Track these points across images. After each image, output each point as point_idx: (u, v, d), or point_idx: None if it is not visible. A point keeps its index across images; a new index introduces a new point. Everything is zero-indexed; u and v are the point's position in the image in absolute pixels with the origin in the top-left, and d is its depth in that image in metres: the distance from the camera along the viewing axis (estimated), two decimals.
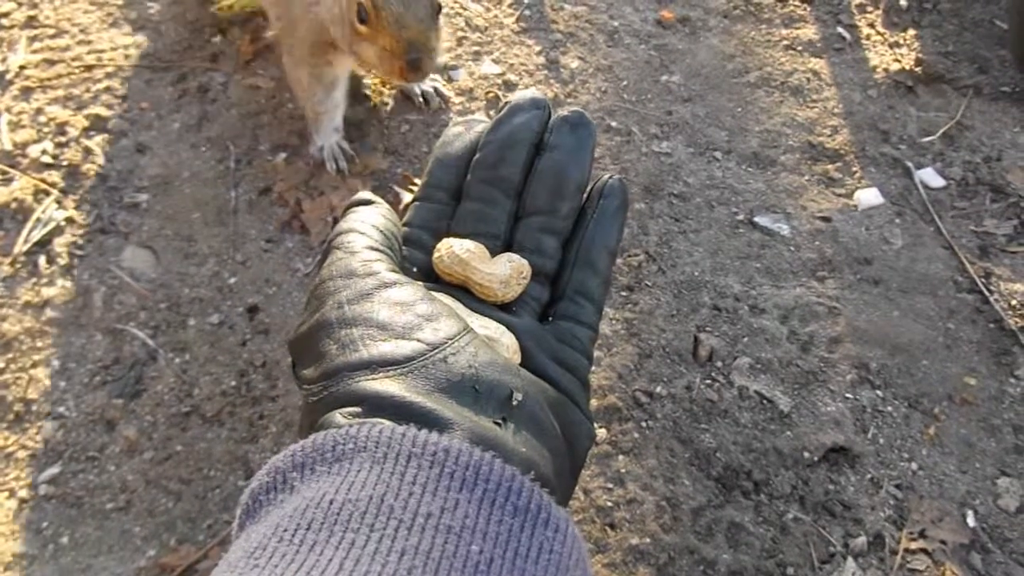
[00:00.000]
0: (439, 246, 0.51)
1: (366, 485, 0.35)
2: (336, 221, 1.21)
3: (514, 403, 0.43)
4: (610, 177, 0.54)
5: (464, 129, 0.56)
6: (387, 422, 0.39)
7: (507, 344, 0.48)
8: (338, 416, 0.40)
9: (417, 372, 0.42)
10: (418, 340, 0.43)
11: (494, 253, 0.52)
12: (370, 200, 0.53)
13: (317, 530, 0.34)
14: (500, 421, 0.42)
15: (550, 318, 0.52)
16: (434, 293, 0.48)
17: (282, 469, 0.39)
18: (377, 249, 0.49)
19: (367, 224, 0.51)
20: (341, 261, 0.48)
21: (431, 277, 0.52)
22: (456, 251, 0.50)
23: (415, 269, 0.52)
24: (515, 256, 0.50)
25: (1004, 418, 1.12)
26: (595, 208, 0.53)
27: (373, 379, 0.41)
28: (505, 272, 0.49)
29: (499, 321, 0.49)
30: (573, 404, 0.49)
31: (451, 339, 0.44)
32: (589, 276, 0.52)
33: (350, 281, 0.46)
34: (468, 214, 0.53)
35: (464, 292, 0.50)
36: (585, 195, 0.54)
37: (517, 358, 0.48)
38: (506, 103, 0.55)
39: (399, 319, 0.44)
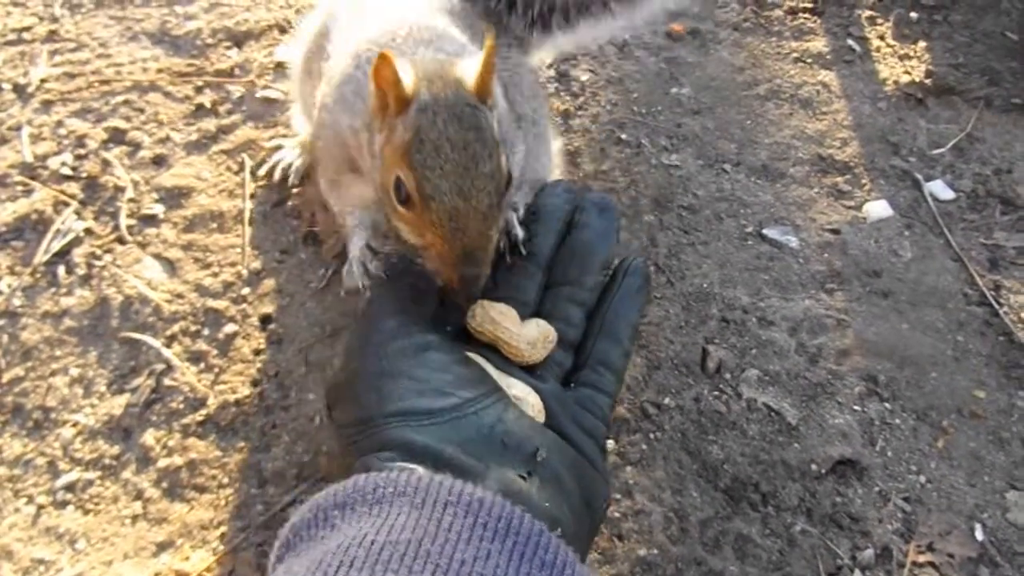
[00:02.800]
0: (473, 307, 0.55)
1: (405, 528, 0.37)
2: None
3: (539, 459, 0.46)
4: (634, 259, 0.59)
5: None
6: (423, 469, 0.41)
7: (533, 404, 0.51)
8: (375, 460, 0.43)
9: (450, 424, 0.45)
10: (452, 394, 0.46)
11: (523, 318, 0.55)
12: (409, 268, 0.58)
13: (359, 568, 0.36)
14: (525, 475, 0.45)
15: (572, 384, 0.56)
16: (467, 353, 0.52)
17: (324, 507, 0.41)
18: (415, 306, 0.54)
19: (404, 279, 0.55)
20: (380, 315, 0.52)
21: (462, 336, 0.56)
22: (489, 311, 0.54)
23: (449, 328, 0.56)
24: (543, 321, 0.54)
25: (1013, 431, 1.12)
26: (619, 285, 0.58)
27: (408, 427, 0.44)
28: (533, 334, 0.53)
29: (525, 383, 0.52)
30: (591, 466, 0.51)
31: (482, 396, 0.47)
32: (611, 347, 0.56)
33: (389, 336, 0.50)
34: (503, 280, 0.58)
35: (493, 352, 0.53)
36: (609, 273, 0.59)
37: (541, 418, 0.51)
38: (543, 187, 0.61)
39: (435, 376, 0.48)
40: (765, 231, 1.32)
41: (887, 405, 1.13)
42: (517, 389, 0.52)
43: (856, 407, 1.13)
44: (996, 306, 1.24)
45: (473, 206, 0.61)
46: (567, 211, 0.60)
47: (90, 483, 1.04)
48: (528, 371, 0.55)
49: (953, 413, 1.13)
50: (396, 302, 0.54)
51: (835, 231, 1.33)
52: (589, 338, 0.58)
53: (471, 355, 0.52)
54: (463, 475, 0.42)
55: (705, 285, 1.25)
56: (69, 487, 1.04)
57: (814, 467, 1.07)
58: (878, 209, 1.36)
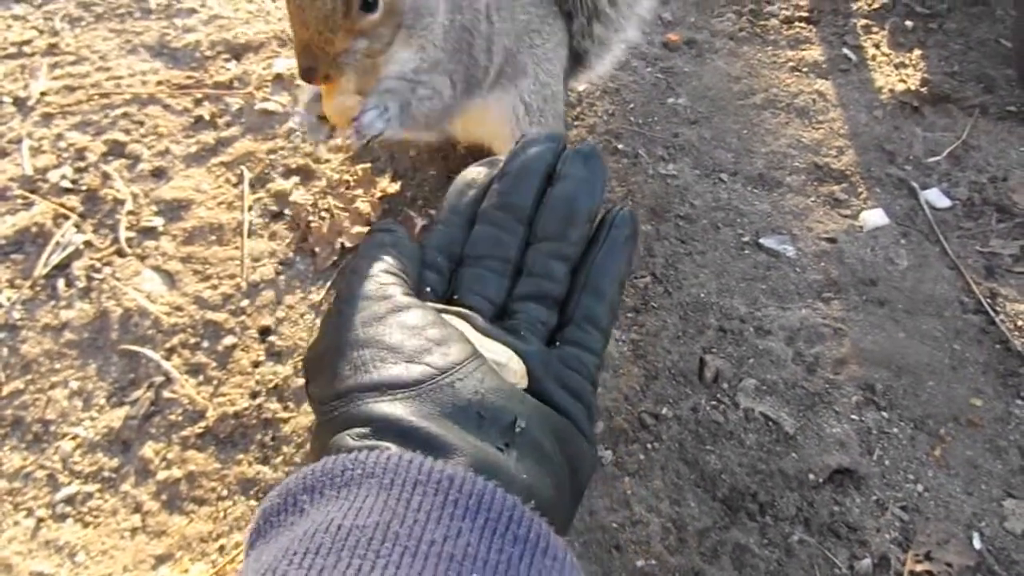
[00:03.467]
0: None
1: (373, 511, 0.37)
2: (344, 245, 1.24)
3: (517, 430, 0.45)
4: (620, 208, 0.55)
5: (485, 164, 0.58)
6: (394, 447, 0.41)
7: (514, 369, 0.49)
8: (347, 438, 0.42)
9: (425, 396, 0.44)
10: (427, 364, 0.45)
11: (505, 276, 0.53)
12: (389, 228, 0.55)
13: (325, 555, 0.36)
14: (503, 447, 0.44)
15: (557, 343, 0.53)
16: (445, 317, 0.50)
17: (293, 491, 0.41)
18: (393, 273, 0.51)
19: (384, 249, 0.53)
20: (357, 284, 0.50)
21: (445, 298, 0.54)
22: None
23: (429, 290, 0.54)
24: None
25: (1010, 439, 1.12)
26: (604, 237, 0.54)
27: (382, 401, 0.43)
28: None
29: (507, 345, 0.50)
30: (577, 430, 0.50)
31: (459, 364, 0.46)
32: (596, 303, 0.54)
33: (364, 303, 0.48)
34: (481, 238, 0.55)
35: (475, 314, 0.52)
36: (595, 224, 0.55)
37: (524, 383, 0.50)
38: (522, 136, 0.57)
39: (410, 343, 0.46)
40: (762, 240, 1.32)
41: (884, 414, 1.14)
42: (498, 354, 0.50)
43: (853, 416, 1.13)
44: (992, 314, 1.24)
45: (317, 6, 0.79)
46: (549, 162, 0.56)
47: (89, 496, 1.05)
48: (511, 332, 0.53)
49: (950, 422, 1.14)
50: (375, 268, 0.52)
51: (832, 240, 1.33)
52: (574, 294, 0.55)
53: (449, 317, 0.51)
54: (437, 450, 0.41)
55: (702, 295, 1.25)
56: (68, 500, 1.04)
57: (812, 476, 1.07)
58: (874, 217, 1.36)
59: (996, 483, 1.08)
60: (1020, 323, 1.23)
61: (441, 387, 0.44)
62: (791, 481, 1.06)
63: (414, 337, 0.47)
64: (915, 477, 1.08)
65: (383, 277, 0.50)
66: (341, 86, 0.88)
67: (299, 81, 0.95)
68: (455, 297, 0.54)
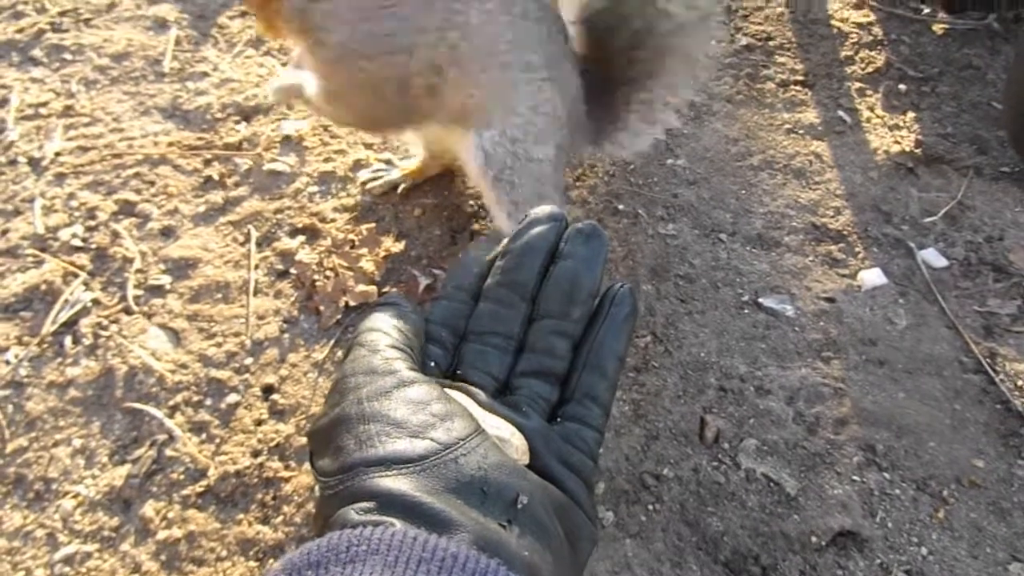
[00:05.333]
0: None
1: None
2: (348, 304, 1.26)
3: (519, 506, 0.45)
4: (621, 286, 0.57)
5: (488, 240, 0.60)
6: (399, 524, 0.41)
7: (516, 445, 0.50)
8: (352, 513, 0.43)
9: (429, 471, 0.45)
10: (431, 440, 0.46)
11: (507, 353, 0.55)
12: (395, 302, 0.57)
13: None
14: (505, 524, 0.44)
15: (558, 419, 0.54)
16: (449, 392, 0.51)
17: (298, 566, 0.41)
18: (398, 348, 0.52)
19: (390, 323, 0.54)
20: (364, 358, 0.51)
21: (448, 373, 0.55)
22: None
23: (433, 364, 0.55)
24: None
25: (1014, 501, 1.12)
26: (605, 315, 0.56)
27: (387, 476, 0.44)
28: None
29: (509, 421, 0.51)
30: (577, 507, 0.51)
31: (463, 440, 0.46)
32: (598, 380, 0.55)
33: (370, 378, 0.49)
34: (485, 314, 0.56)
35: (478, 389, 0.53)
36: (596, 301, 0.57)
37: (525, 459, 0.50)
38: (526, 215, 0.59)
39: (414, 418, 0.47)
40: (761, 300, 1.34)
41: (886, 475, 1.13)
42: (501, 430, 0.51)
43: (855, 477, 1.13)
44: (992, 374, 1.24)
45: None
46: (552, 241, 0.58)
47: (88, 556, 1.04)
48: (512, 408, 0.53)
49: (953, 483, 1.13)
50: (381, 342, 0.53)
51: (830, 299, 1.34)
52: (575, 370, 0.56)
53: (453, 392, 0.52)
54: (441, 526, 0.42)
55: (703, 354, 1.26)
56: (67, 560, 1.04)
57: (814, 539, 1.06)
58: (872, 277, 1.38)
59: (1001, 546, 1.07)
60: (1020, 383, 1.24)
61: (445, 463, 0.45)
62: (793, 544, 1.06)
63: (419, 412, 0.47)
64: (919, 540, 1.08)
65: (388, 352, 0.51)
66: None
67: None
68: (458, 372, 0.55)
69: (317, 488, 0.99)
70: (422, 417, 0.47)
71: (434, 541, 0.40)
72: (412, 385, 0.49)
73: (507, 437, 0.50)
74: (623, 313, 0.56)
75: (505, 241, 0.58)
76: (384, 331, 0.53)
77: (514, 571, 0.40)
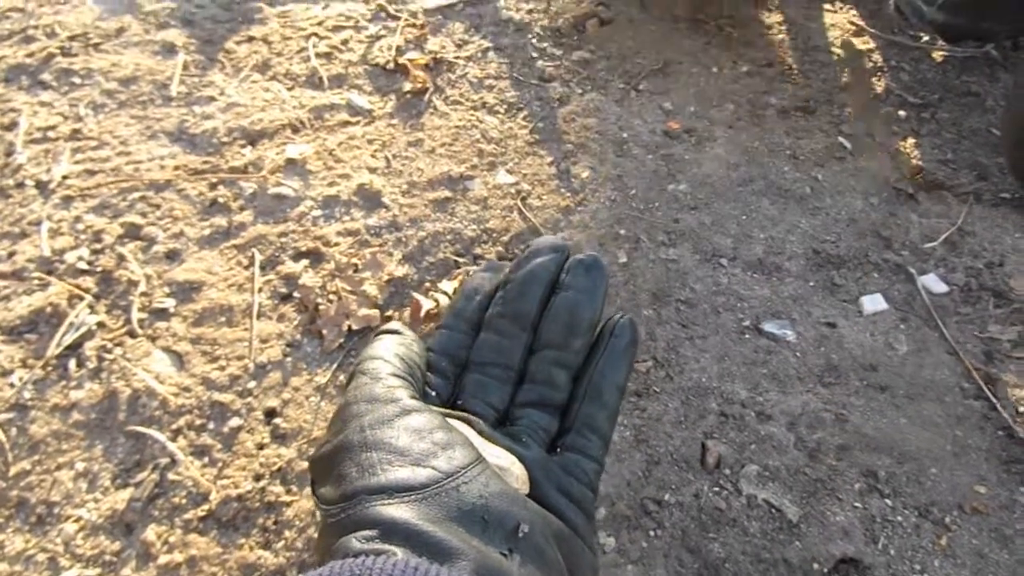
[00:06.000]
0: None
1: None
2: (351, 328, 1.26)
3: (520, 535, 0.46)
4: (621, 316, 0.58)
5: (491, 270, 0.61)
6: (400, 553, 0.42)
7: (517, 475, 0.50)
8: (354, 541, 0.43)
9: (431, 499, 0.45)
10: (433, 468, 0.46)
11: (508, 383, 0.55)
12: (397, 331, 0.57)
13: None
14: (507, 552, 0.44)
15: (558, 449, 0.55)
16: (450, 421, 0.52)
17: None
18: (400, 376, 0.53)
19: (391, 352, 0.55)
20: (366, 386, 0.52)
21: (449, 403, 0.56)
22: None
23: (434, 394, 0.55)
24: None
25: (1016, 528, 1.11)
26: (606, 345, 0.56)
27: (389, 504, 0.44)
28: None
29: (510, 451, 0.52)
30: (577, 537, 0.51)
31: (464, 468, 0.47)
32: (597, 410, 0.55)
33: (373, 406, 0.50)
34: (486, 345, 0.57)
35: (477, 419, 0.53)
36: (597, 332, 0.57)
37: (526, 489, 0.51)
38: (528, 246, 0.59)
39: (416, 446, 0.47)
40: (762, 325, 1.34)
41: (888, 501, 1.13)
42: (501, 459, 0.51)
43: (857, 504, 1.13)
44: (994, 400, 1.25)
45: None
46: (553, 272, 0.58)
47: None
48: (512, 439, 0.54)
49: (955, 509, 1.13)
50: (383, 370, 0.54)
51: (831, 324, 1.35)
52: (575, 401, 0.56)
53: (453, 422, 0.52)
54: (443, 555, 0.42)
55: (704, 379, 1.26)
56: None
57: (816, 566, 1.06)
58: (873, 303, 1.38)
59: (1004, 573, 1.07)
60: (1022, 409, 1.24)
61: (447, 491, 0.45)
62: (795, 570, 1.05)
63: (421, 441, 0.48)
64: (921, 567, 1.07)
65: (390, 380, 0.52)
66: None
67: None
68: (458, 402, 0.56)
69: (319, 515, 0.99)
70: (424, 445, 0.47)
71: (435, 571, 0.40)
72: (414, 413, 0.50)
73: (507, 466, 0.50)
74: (623, 343, 0.57)
75: (507, 270, 0.59)
76: (386, 359, 0.54)
77: None
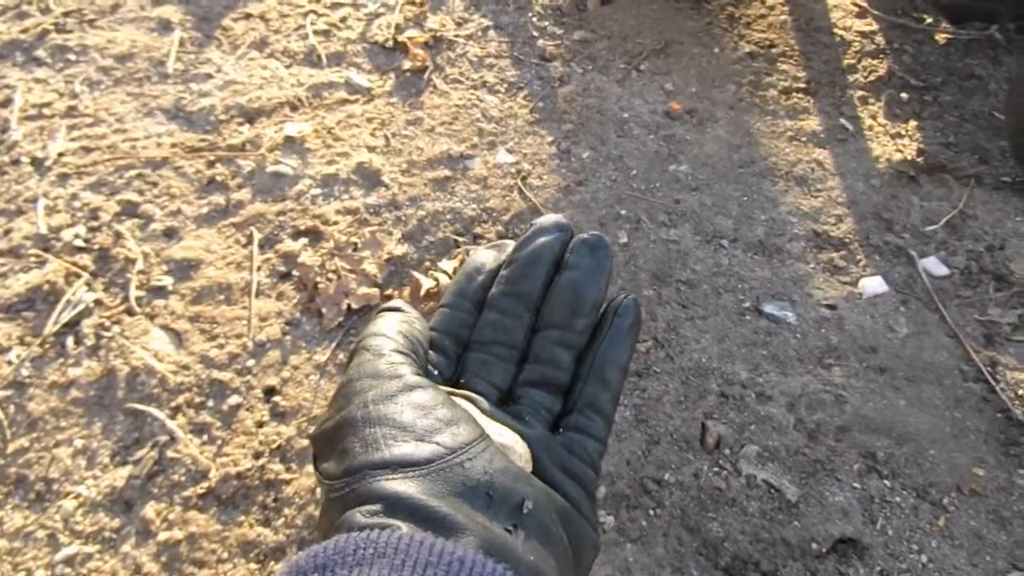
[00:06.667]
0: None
1: None
2: (350, 306, 1.26)
3: (525, 511, 0.45)
4: (625, 297, 0.57)
5: (493, 248, 0.60)
6: (405, 527, 0.41)
7: (520, 453, 0.50)
8: (358, 515, 0.43)
9: (435, 475, 0.45)
10: (437, 443, 0.46)
11: (511, 363, 0.55)
12: (399, 308, 0.57)
13: None
14: (511, 528, 0.44)
15: (561, 429, 0.54)
16: (454, 399, 0.51)
17: (303, 568, 0.41)
18: (403, 353, 0.52)
19: (394, 330, 0.54)
20: (369, 363, 0.51)
21: (451, 382, 0.55)
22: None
23: (436, 373, 0.55)
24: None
25: (1014, 510, 1.12)
26: (609, 325, 0.56)
27: (393, 479, 0.44)
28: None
29: (513, 429, 0.51)
30: (580, 515, 0.51)
31: (468, 444, 0.46)
32: (600, 391, 0.55)
33: (376, 382, 0.49)
34: (489, 324, 0.56)
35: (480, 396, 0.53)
36: (600, 312, 0.57)
37: (529, 467, 0.51)
38: (532, 224, 0.59)
39: (421, 422, 0.47)
40: (763, 306, 1.34)
41: (887, 482, 1.14)
42: (505, 437, 0.51)
43: (856, 484, 1.13)
44: (993, 383, 1.25)
45: None
46: (557, 251, 0.58)
47: (89, 557, 1.04)
48: (515, 417, 0.54)
49: (953, 491, 1.13)
50: (385, 347, 0.53)
51: (831, 307, 1.35)
52: (578, 381, 0.56)
53: (457, 400, 0.52)
54: (447, 530, 0.42)
55: (704, 360, 1.26)
56: (68, 561, 1.03)
57: (815, 546, 1.06)
58: (873, 285, 1.38)
59: (1001, 555, 1.08)
60: (1021, 392, 1.24)
61: (451, 467, 0.45)
62: (794, 550, 1.06)
63: (425, 417, 0.47)
64: (919, 547, 1.08)
65: (393, 356, 0.51)
66: None
67: None
68: (461, 381, 0.55)
69: (321, 491, 0.99)
70: (428, 421, 0.47)
71: (441, 545, 0.40)
72: (418, 390, 0.49)
73: (510, 444, 0.50)
74: (626, 324, 0.56)
75: (510, 250, 0.58)
76: (388, 336, 0.53)
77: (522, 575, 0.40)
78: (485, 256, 0.60)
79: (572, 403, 0.55)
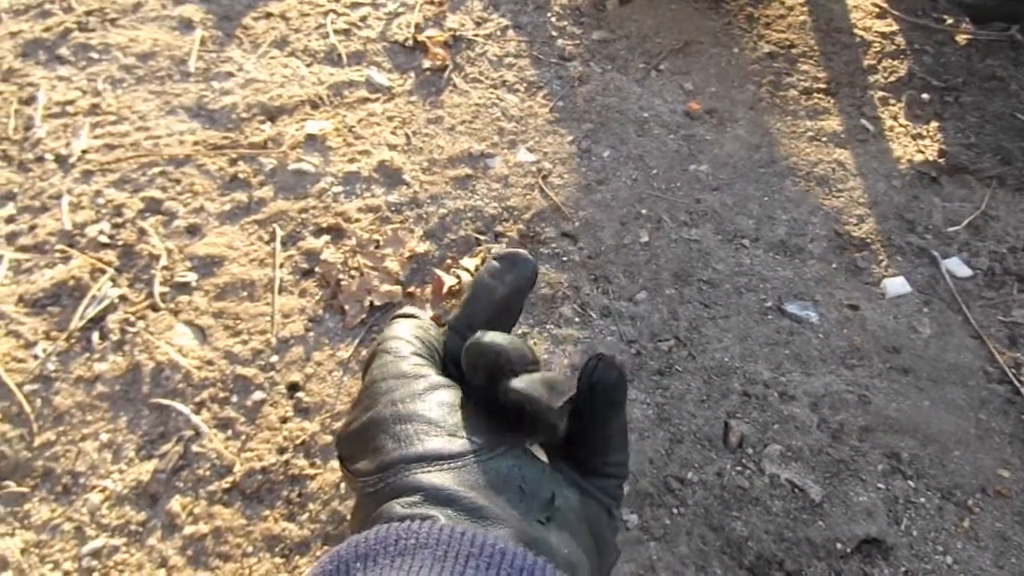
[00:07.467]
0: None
1: None
2: (373, 303, 1.26)
3: (556, 504, 0.46)
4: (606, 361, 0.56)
5: (502, 266, 0.59)
6: (443, 518, 0.42)
7: (542, 453, 0.51)
8: (397, 506, 0.43)
9: (469, 468, 0.45)
10: (467, 439, 0.46)
11: None
12: (413, 315, 0.57)
13: None
14: (544, 521, 0.44)
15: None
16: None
17: (345, 559, 0.41)
18: (422, 356, 0.53)
19: (411, 334, 0.55)
20: (392, 363, 0.52)
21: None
22: None
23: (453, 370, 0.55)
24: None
25: None
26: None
27: (429, 471, 0.44)
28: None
29: None
30: (606, 513, 0.51)
31: (495, 441, 0.47)
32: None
33: (402, 382, 0.50)
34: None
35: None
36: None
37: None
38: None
39: (449, 419, 0.47)
40: (785, 306, 1.34)
41: (911, 483, 1.13)
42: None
43: (880, 485, 1.13)
44: (1017, 384, 1.24)
45: None
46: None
47: (116, 549, 1.05)
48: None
49: (978, 492, 1.13)
50: (406, 349, 0.54)
51: (854, 307, 1.34)
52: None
53: None
54: (482, 520, 0.42)
55: (726, 359, 1.26)
56: (95, 554, 1.04)
57: (839, 546, 1.06)
58: (896, 285, 1.38)
59: None
60: None
61: (482, 461, 0.45)
62: (819, 550, 1.06)
63: (452, 414, 0.48)
64: (944, 549, 1.07)
65: (415, 359, 0.52)
66: None
67: None
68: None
69: (351, 488, 0.99)
70: (456, 418, 0.47)
71: (481, 536, 0.40)
72: (442, 388, 0.50)
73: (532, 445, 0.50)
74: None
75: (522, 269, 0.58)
76: (407, 340, 0.54)
77: (559, 568, 0.40)
78: (492, 270, 0.59)
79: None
